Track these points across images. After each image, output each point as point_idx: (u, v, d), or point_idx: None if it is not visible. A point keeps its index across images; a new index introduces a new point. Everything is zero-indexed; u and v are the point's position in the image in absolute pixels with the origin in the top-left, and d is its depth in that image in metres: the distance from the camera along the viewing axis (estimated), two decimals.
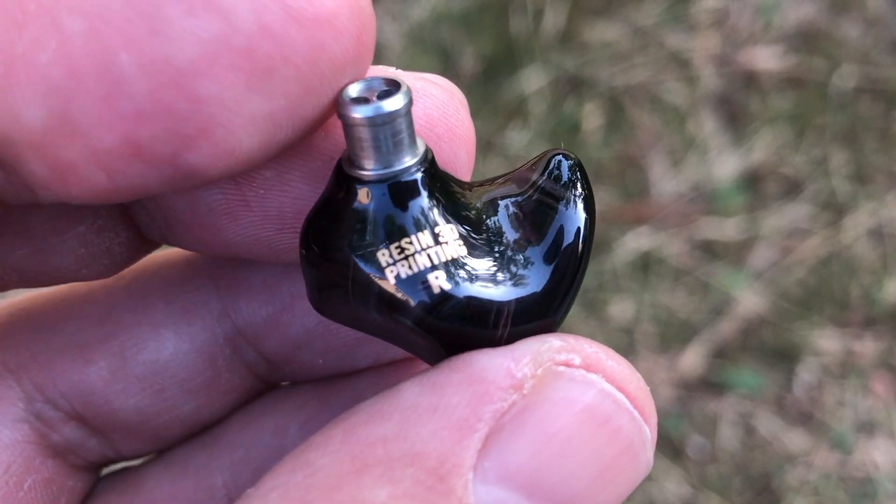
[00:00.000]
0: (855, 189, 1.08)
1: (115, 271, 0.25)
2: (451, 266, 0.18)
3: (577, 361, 0.18)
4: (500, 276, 0.19)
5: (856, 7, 1.19)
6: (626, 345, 1.00)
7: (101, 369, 0.24)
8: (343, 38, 0.17)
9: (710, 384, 0.99)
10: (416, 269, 0.18)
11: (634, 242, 1.05)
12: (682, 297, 1.03)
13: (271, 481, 0.17)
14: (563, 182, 0.20)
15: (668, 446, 0.96)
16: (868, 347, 1.00)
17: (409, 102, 0.18)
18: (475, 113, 1.11)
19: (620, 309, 1.02)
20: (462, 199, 0.20)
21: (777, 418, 0.97)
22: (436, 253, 0.18)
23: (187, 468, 0.26)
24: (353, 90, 0.18)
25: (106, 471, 0.28)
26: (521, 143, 1.10)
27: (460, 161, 0.22)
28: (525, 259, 0.19)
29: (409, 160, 0.18)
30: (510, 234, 0.20)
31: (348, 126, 0.18)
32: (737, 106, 1.14)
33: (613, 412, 0.18)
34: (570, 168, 0.20)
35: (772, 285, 1.03)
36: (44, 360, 0.24)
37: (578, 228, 0.20)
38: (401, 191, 0.18)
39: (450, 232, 0.19)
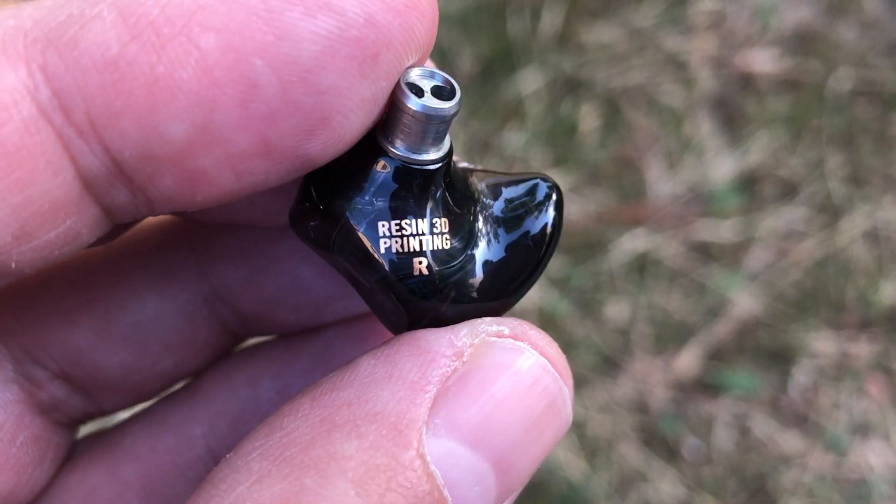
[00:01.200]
0: (851, 191, 1.09)
1: (115, 237, 0.25)
2: (434, 255, 0.21)
3: (507, 332, 0.21)
4: (464, 264, 0.22)
5: (852, 10, 1.19)
6: (621, 346, 1.00)
7: (86, 330, 0.26)
8: (426, 19, 0.19)
9: (705, 385, 0.99)
10: (406, 250, 0.21)
11: (630, 244, 1.05)
12: (678, 298, 1.03)
13: (249, 444, 0.19)
14: (539, 200, 0.23)
15: (664, 447, 0.96)
16: (863, 349, 1.01)
17: (459, 109, 0.20)
18: (473, 113, 1.11)
19: (616, 310, 1.02)
20: (462, 189, 0.22)
21: (772, 420, 0.97)
22: (427, 241, 0.21)
23: (167, 422, 0.28)
24: (414, 75, 0.20)
25: (85, 431, 0.29)
26: (518, 143, 1.10)
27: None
28: (490, 249, 0.22)
29: (433, 154, 0.21)
30: (485, 225, 0.22)
31: (398, 109, 0.20)
32: (733, 108, 1.14)
33: (539, 373, 0.21)
34: (548, 187, 0.23)
35: (767, 287, 1.03)
36: (30, 325, 0.25)
37: (545, 225, 0.23)
38: (417, 177, 0.21)
39: (444, 225, 0.21)
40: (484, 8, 1.19)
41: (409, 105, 0.19)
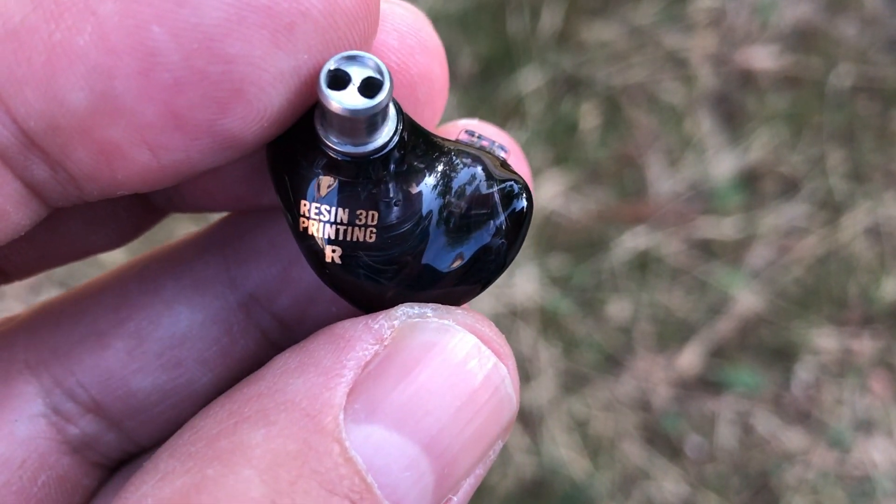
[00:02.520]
0: (852, 188, 1.09)
1: (126, 239, 0.26)
2: (351, 246, 0.20)
3: (430, 313, 0.20)
4: (401, 255, 0.20)
5: (852, 6, 1.19)
6: (623, 344, 1.00)
7: (119, 351, 0.25)
8: None
9: (707, 383, 0.99)
10: (319, 234, 0.20)
11: (632, 242, 1.05)
12: (680, 296, 1.03)
13: (162, 448, 0.19)
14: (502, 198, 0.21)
15: (666, 445, 0.96)
16: (866, 346, 1.00)
17: (389, 98, 0.19)
18: (473, 113, 1.11)
19: (618, 308, 1.02)
20: (420, 169, 0.20)
21: (775, 417, 0.97)
22: (346, 231, 0.20)
23: None
24: (340, 62, 0.19)
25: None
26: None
27: (435, 74, 0.23)
28: (440, 241, 0.21)
29: (372, 144, 0.19)
30: (436, 210, 0.21)
31: (319, 100, 0.19)
32: (734, 105, 1.14)
33: (466, 351, 0.19)
34: (519, 189, 0.22)
35: (769, 284, 1.03)
36: (63, 353, 0.25)
37: (499, 226, 0.21)
38: (348, 167, 0.20)
39: (370, 217, 0.20)
40: (483, 7, 1.19)
41: (323, 101, 0.18)
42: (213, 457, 0.17)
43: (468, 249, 0.21)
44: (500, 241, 0.21)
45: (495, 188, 0.21)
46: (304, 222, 0.20)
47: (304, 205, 0.20)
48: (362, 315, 0.20)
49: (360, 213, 0.20)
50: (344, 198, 0.20)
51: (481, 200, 0.21)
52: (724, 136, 1.12)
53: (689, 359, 1.00)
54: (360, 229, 0.20)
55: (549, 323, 1.00)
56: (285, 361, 0.19)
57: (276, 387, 0.18)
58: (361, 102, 0.18)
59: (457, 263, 0.21)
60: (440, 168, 0.21)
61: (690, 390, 0.99)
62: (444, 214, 0.21)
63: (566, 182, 1.08)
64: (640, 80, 1.15)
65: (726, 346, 1.01)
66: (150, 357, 0.25)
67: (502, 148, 0.22)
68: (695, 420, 0.97)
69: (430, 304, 0.20)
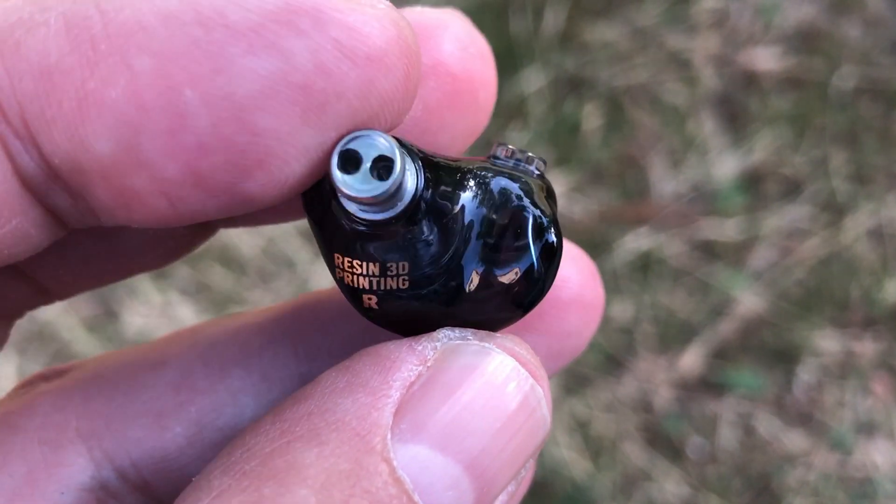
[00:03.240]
0: (855, 189, 1.08)
1: (176, 257, 0.26)
2: (387, 296, 0.20)
3: (470, 336, 0.20)
4: (429, 303, 0.21)
5: (856, 7, 1.19)
6: (625, 345, 1.00)
7: (178, 436, 0.25)
8: (392, 74, 0.18)
9: (709, 385, 0.99)
10: (355, 285, 0.20)
11: (634, 243, 1.05)
12: (682, 297, 1.03)
13: (212, 464, 0.19)
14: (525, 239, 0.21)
15: (668, 447, 0.96)
16: (868, 348, 1.00)
17: (401, 176, 0.19)
18: None
19: (620, 309, 1.02)
20: (445, 197, 0.20)
21: (776, 419, 0.97)
22: (378, 282, 0.20)
23: None
24: (355, 140, 0.18)
25: None
26: (521, 143, 1.10)
27: (492, 80, 0.23)
28: (458, 288, 0.21)
29: (394, 209, 0.19)
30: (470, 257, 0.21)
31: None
32: (737, 106, 1.14)
33: (507, 374, 0.20)
34: (548, 223, 0.21)
35: (771, 286, 1.03)
36: (118, 427, 0.24)
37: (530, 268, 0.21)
38: (369, 229, 0.20)
39: (402, 268, 0.20)
40: (486, 7, 1.19)
41: (338, 186, 0.18)
42: (269, 476, 0.17)
43: (505, 274, 0.21)
44: (539, 266, 0.21)
45: (525, 211, 0.21)
46: (339, 273, 0.20)
47: (338, 258, 0.20)
48: (405, 338, 0.20)
49: (391, 266, 0.20)
50: (374, 253, 0.20)
51: (515, 220, 0.21)
52: (726, 137, 1.12)
53: (691, 360, 1.00)
54: (392, 279, 0.20)
55: None
56: (333, 381, 0.19)
57: (326, 406, 0.19)
58: (372, 187, 0.18)
59: (495, 288, 0.21)
60: (467, 192, 0.21)
61: (692, 391, 0.99)
62: (483, 232, 0.21)
63: (568, 183, 1.08)
64: (642, 81, 1.15)
65: (728, 348, 1.00)
66: (209, 446, 0.25)
67: (541, 160, 0.22)
68: (696, 421, 0.97)
69: (469, 329, 0.21)
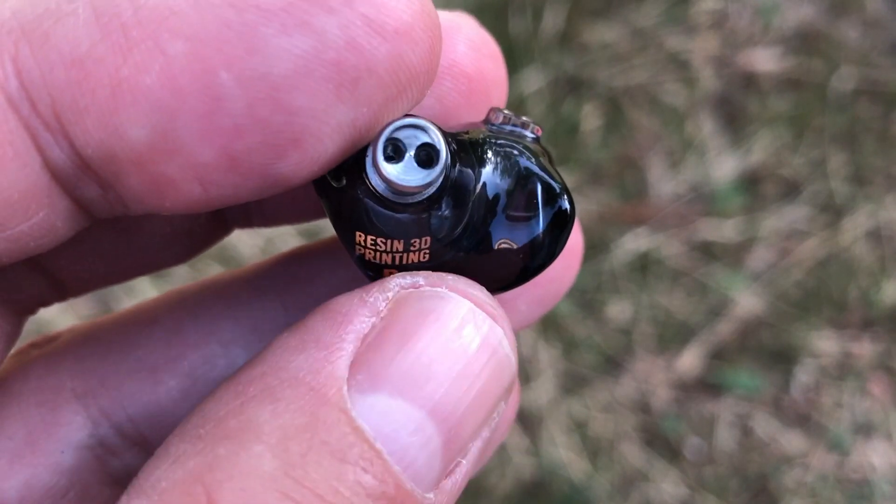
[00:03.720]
0: (853, 191, 1.09)
1: (193, 254, 0.26)
2: (407, 269, 0.21)
3: (422, 282, 0.20)
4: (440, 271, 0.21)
5: (855, 9, 1.19)
6: (623, 346, 1.00)
7: (172, 389, 0.25)
8: (419, 47, 0.18)
9: (707, 385, 0.99)
10: (378, 261, 0.21)
11: (633, 243, 1.05)
12: (681, 298, 1.03)
13: (172, 434, 0.19)
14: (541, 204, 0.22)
15: (666, 447, 0.96)
16: (866, 349, 1.00)
17: (440, 180, 0.19)
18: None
19: (618, 310, 1.02)
20: (467, 167, 0.21)
21: (774, 419, 0.97)
22: (401, 257, 0.20)
23: None
24: (399, 128, 0.19)
25: None
26: None
27: (503, 79, 0.24)
28: (480, 255, 0.21)
29: (426, 192, 0.20)
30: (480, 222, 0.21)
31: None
32: (736, 107, 1.14)
33: (462, 316, 0.20)
34: (560, 189, 0.22)
35: (770, 287, 1.03)
36: (112, 385, 0.25)
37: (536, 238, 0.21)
38: (399, 210, 0.20)
39: (423, 242, 0.20)
40: (486, 7, 1.19)
41: (380, 172, 0.19)
42: (223, 436, 0.17)
43: (517, 238, 0.21)
44: (549, 231, 0.21)
45: (537, 178, 0.21)
46: (359, 249, 0.21)
47: (360, 236, 0.20)
48: (356, 289, 0.20)
49: (414, 242, 0.20)
50: (399, 231, 0.20)
51: (527, 188, 0.21)
52: (725, 138, 1.12)
53: (689, 361, 1.00)
54: (414, 253, 0.20)
55: (548, 324, 1.00)
56: (285, 340, 0.19)
57: (279, 364, 0.19)
58: (419, 177, 0.19)
59: (506, 253, 0.21)
60: (487, 166, 0.21)
61: (690, 392, 0.99)
62: (495, 200, 0.21)
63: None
64: (641, 82, 1.15)
65: (726, 349, 1.01)
66: (203, 397, 0.25)
67: (535, 124, 0.22)
68: (694, 422, 0.97)
69: (421, 273, 0.20)
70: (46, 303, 0.26)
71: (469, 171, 0.20)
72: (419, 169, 0.19)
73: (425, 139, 0.19)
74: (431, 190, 0.20)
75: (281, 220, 0.27)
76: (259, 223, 0.26)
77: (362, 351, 0.19)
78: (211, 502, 0.16)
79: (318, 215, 0.26)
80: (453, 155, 0.20)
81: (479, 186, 0.21)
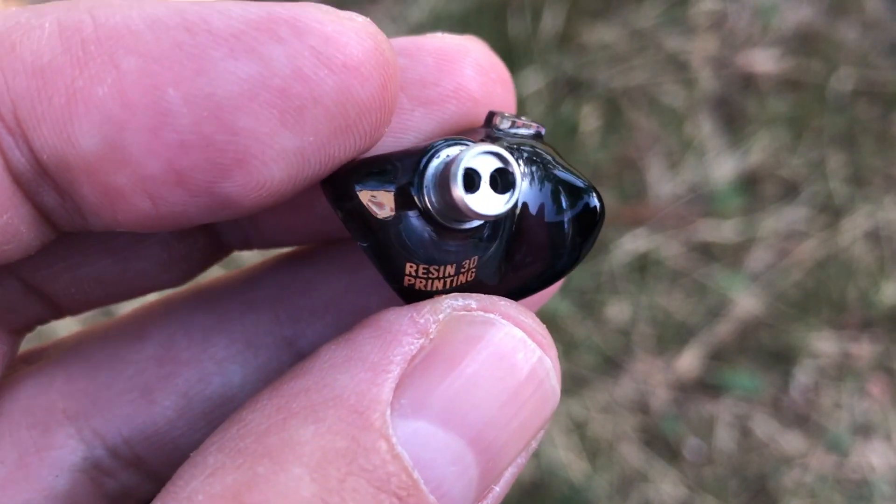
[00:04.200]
0: (852, 191, 1.09)
1: (191, 277, 0.26)
2: (454, 288, 0.20)
3: (474, 305, 0.20)
4: (480, 286, 0.21)
5: (854, 10, 1.19)
6: (622, 346, 1.00)
7: (167, 409, 0.25)
8: (369, 83, 0.19)
9: (706, 386, 0.99)
10: (428, 289, 0.20)
11: (632, 244, 1.05)
12: (680, 298, 1.03)
13: (209, 440, 0.19)
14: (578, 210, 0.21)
15: (665, 448, 0.96)
16: (865, 350, 1.00)
17: (513, 206, 0.19)
18: None
19: (617, 310, 1.02)
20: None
21: (773, 420, 0.97)
22: (452, 281, 0.20)
23: None
24: (475, 157, 0.18)
25: None
26: None
27: (511, 104, 0.24)
28: (520, 267, 0.21)
29: (473, 221, 0.19)
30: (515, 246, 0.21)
31: (447, 189, 0.19)
32: (734, 108, 1.14)
33: (512, 345, 0.19)
34: (587, 186, 0.22)
35: (769, 287, 1.03)
36: (105, 405, 0.24)
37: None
38: (457, 233, 0.20)
39: (472, 262, 0.20)
40: (485, 8, 1.19)
41: (459, 206, 0.18)
42: (264, 453, 0.17)
43: (549, 240, 0.21)
44: (577, 234, 0.21)
45: (563, 180, 0.21)
46: (409, 280, 0.20)
47: (411, 267, 0.20)
48: (405, 305, 0.20)
49: (465, 263, 0.20)
50: (451, 256, 0.20)
51: (557, 189, 0.21)
52: (724, 138, 1.12)
53: (688, 361, 1.00)
54: (463, 275, 0.20)
55: (548, 324, 1.00)
56: (332, 355, 0.19)
57: (324, 382, 0.18)
58: (498, 204, 0.19)
59: (538, 257, 0.21)
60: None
61: (689, 393, 0.99)
62: (525, 207, 0.21)
63: None
64: (640, 83, 1.15)
65: (725, 349, 1.01)
66: (199, 416, 0.25)
67: (540, 125, 0.22)
68: (693, 423, 0.97)
69: (474, 296, 0.20)
70: (43, 321, 0.26)
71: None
72: (495, 195, 0.19)
73: (498, 165, 0.19)
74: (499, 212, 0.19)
75: (280, 243, 0.27)
76: (258, 246, 0.26)
77: (408, 374, 0.19)
78: None
79: (317, 239, 0.26)
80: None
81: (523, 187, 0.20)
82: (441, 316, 0.19)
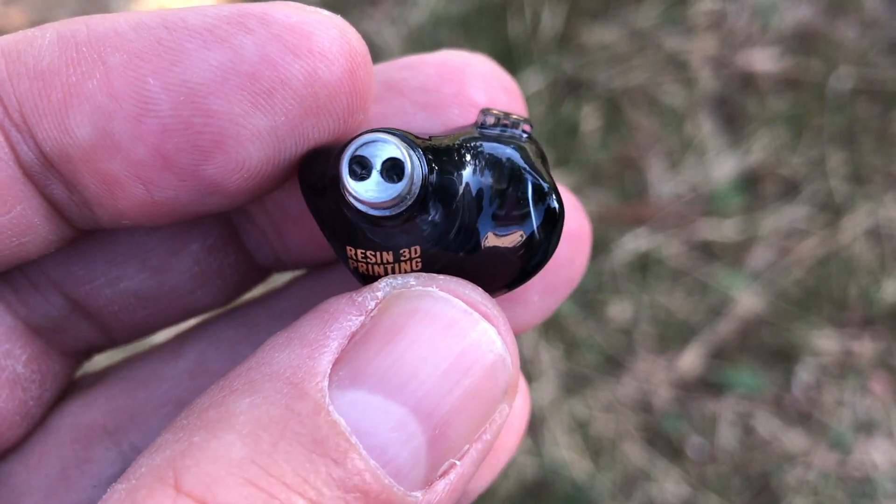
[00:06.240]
0: (853, 190, 1.09)
1: (230, 297, 0.27)
2: (399, 278, 0.21)
3: (413, 282, 0.20)
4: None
5: (853, 8, 1.19)
6: (624, 346, 1.00)
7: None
8: (334, 68, 0.20)
9: (708, 384, 0.99)
10: (371, 273, 0.21)
11: (633, 243, 1.05)
12: (681, 297, 1.03)
13: (166, 428, 0.20)
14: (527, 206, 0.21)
15: (667, 446, 0.96)
16: (866, 347, 1.01)
17: (411, 181, 0.19)
18: None
19: (619, 310, 1.02)
20: (449, 174, 0.21)
21: (776, 418, 0.97)
22: (392, 268, 0.21)
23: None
24: (364, 144, 0.19)
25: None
26: None
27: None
28: (467, 259, 0.21)
29: (404, 204, 0.20)
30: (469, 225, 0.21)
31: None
32: (734, 107, 1.14)
33: (451, 314, 0.20)
34: (549, 189, 0.22)
35: (770, 286, 1.03)
36: (141, 420, 0.26)
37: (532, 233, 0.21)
38: (380, 223, 0.20)
39: (413, 251, 0.21)
40: (484, 10, 1.19)
41: (348, 193, 0.19)
42: (201, 426, 0.18)
43: (509, 239, 0.21)
44: (541, 230, 0.21)
45: (525, 178, 0.21)
46: (353, 263, 0.21)
47: (350, 250, 0.21)
48: (348, 291, 0.21)
49: (404, 252, 0.20)
50: (386, 243, 0.20)
51: (516, 187, 0.21)
52: (724, 138, 1.12)
53: (690, 360, 1.00)
54: (405, 263, 0.21)
55: (550, 324, 1.01)
56: (275, 338, 0.20)
57: (264, 360, 0.19)
58: (384, 192, 0.19)
59: (500, 255, 0.21)
60: (468, 168, 0.21)
61: (691, 391, 0.99)
62: (485, 202, 0.21)
63: (567, 184, 1.08)
64: (640, 83, 1.15)
65: (727, 348, 1.01)
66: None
67: (526, 122, 0.22)
68: (696, 421, 0.97)
69: (412, 274, 0.21)
70: (96, 348, 0.27)
71: (451, 176, 0.20)
72: (387, 184, 0.19)
73: (390, 154, 0.19)
74: (408, 202, 0.20)
75: (312, 263, 0.28)
76: (291, 266, 0.28)
77: (348, 349, 0.19)
78: (177, 486, 0.17)
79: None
80: (429, 162, 0.20)
81: (462, 189, 0.20)
82: (380, 294, 0.20)
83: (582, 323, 1.01)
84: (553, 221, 0.21)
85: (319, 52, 0.20)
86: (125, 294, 0.26)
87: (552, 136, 1.12)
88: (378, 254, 0.20)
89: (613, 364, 1.00)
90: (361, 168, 0.19)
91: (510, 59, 1.16)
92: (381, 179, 0.19)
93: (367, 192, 0.19)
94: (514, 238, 0.21)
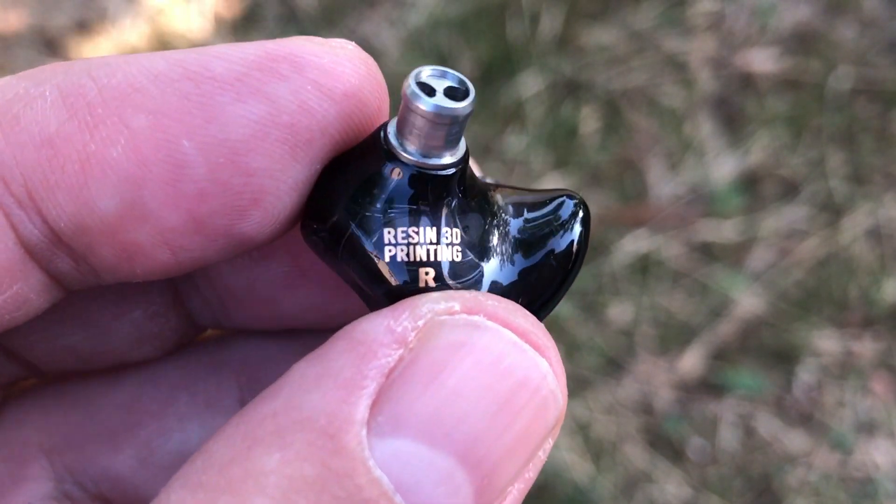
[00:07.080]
0: (852, 190, 1.09)
1: (166, 354, 0.26)
2: (443, 267, 0.19)
3: (457, 307, 0.18)
4: (476, 281, 0.20)
5: (851, 8, 1.19)
6: (625, 347, 1.00)
7: (130, 458, 0.25)
8: (367, 107, 0.19)
9: (709, 386, 0.99)
10: (412, 259, 0.19)
11: (633, 245, 1.05)
12: (681, 298, 1.03)
13: (177, 475, 0.18)
14: (564, 218, 0.22)
15: (669, 448, 0.96)
16: (867, 348, 1.01)
17: (473, 110, 0.19)
18: (474, 118, 1.11)
19: (619, 311, 1.02)
20: (480, 201, 0.21)
21: (777, 419, 0.97)
22: (435, 251, 0.19)
23: None
24: (426, 75, 0.19)
25: None
26: (519, 147, 1.10)
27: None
28: (502, 270, 0.21)
29: (448, 158, 0.20)
30: (501, 244, 0.21)
31: (410, 111, 0.19)
32: (734, 108, 1.14)
33: (500, 348, 0.18)
34: (574, 204, 0.22)
35: (770, 286, 1.03)
36: (76, 445, 0.25)
37: (570, 243, 0.22)
38: (430, 183, 0.19)
39: (454, 236, 0.20)
40: (483, 12, 1.19)
41: (420, 105, 0.18)
42: (225, 487, 0.16)
43: (529, 281, 0.21)
44: (563, 271, 0.21)
45: (553, 216, 0.22)
46: (390, 250, 0.19)
47: (389, 233, 0.19)
48: (383, 310, 0.18)
49: (446, 232, 0.20)
50: (428, 218, 0.19)
51: (544, 231, 0.21)
52: (723, 139, 1.12)
53: (691, 361, 1.00)
54: (447, 248, 0.19)
55: (550, 326, 1.01)
56: (303, 373, 0.18)
57: (292, 403, 0.17)
58: (456, 104, 0.19)
59: (517, 295, 0.21)
60: (497, 198, 0.21)
61: (692, 393, 0.99)
62: (503, 248, 0.21)
63: (566, 185, 1.08)
64: (639, 84, 1.15)
65: (728, 349, 1.01)
66: (160, 469, 0.25)
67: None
68: (697, 423, 0.97)
69: (458, 296, 0.18)
70: (22, 379, 0.26)
71: (478, 191, 0.21)
72: (454, 102, 0.19)
73: (450, 82, 0.19)
74: (459, 152, 0.20)
75: (247, 327, 0.26)
76: (228, 326, 0.26)
77: (386, 388, 0.17)
78: None
79: (281, 327, 0.26)
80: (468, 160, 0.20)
81: (499, 204, 0.21)
82: (420, 322, 0.18)
83: (582, 325, 1.01)
84: (587, 228, 0.22)
85: (353, 94, 0.19)
86: (60, 349, 0.24)
87: (551, 137, 1.12)
88: (422, 230, 0.19)
89: (614, 366, 1.00)
90: (426, 91, 0.19)
91: (509, 61, 1.16)
92: (446, 99, 0.19)
93: (438, 103, 0.19)
94: (544, 254, 0.21)
